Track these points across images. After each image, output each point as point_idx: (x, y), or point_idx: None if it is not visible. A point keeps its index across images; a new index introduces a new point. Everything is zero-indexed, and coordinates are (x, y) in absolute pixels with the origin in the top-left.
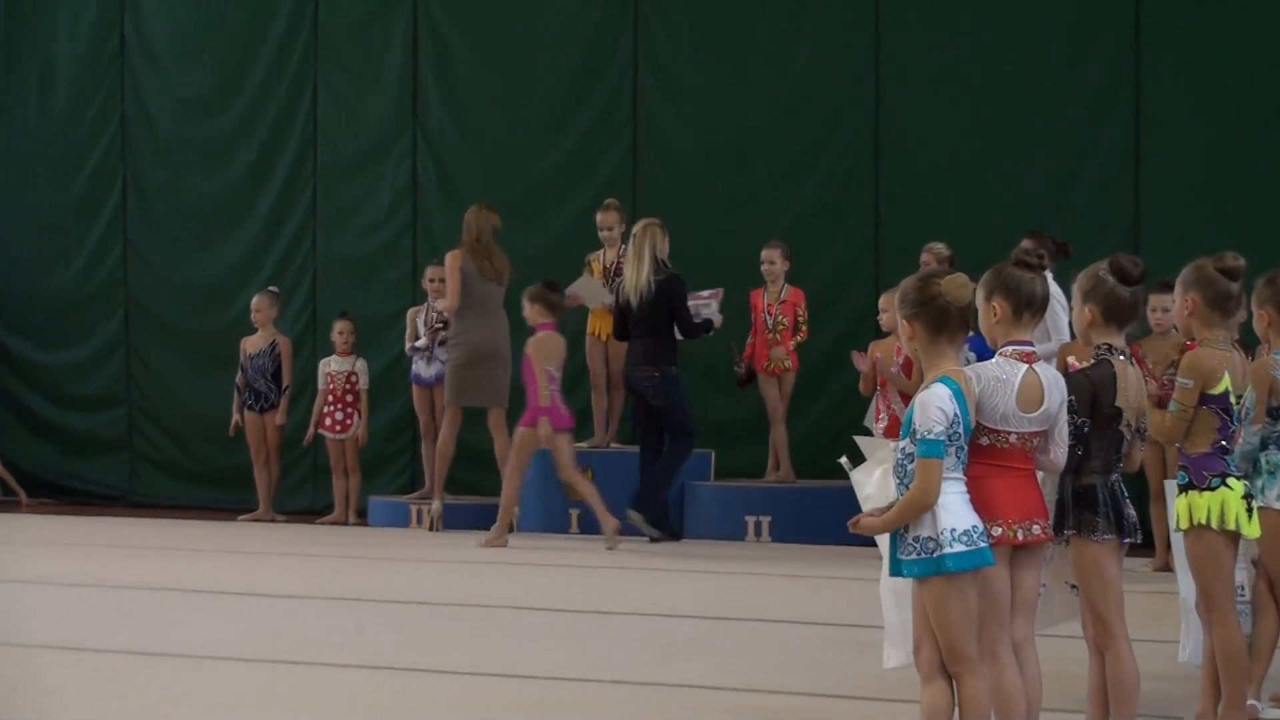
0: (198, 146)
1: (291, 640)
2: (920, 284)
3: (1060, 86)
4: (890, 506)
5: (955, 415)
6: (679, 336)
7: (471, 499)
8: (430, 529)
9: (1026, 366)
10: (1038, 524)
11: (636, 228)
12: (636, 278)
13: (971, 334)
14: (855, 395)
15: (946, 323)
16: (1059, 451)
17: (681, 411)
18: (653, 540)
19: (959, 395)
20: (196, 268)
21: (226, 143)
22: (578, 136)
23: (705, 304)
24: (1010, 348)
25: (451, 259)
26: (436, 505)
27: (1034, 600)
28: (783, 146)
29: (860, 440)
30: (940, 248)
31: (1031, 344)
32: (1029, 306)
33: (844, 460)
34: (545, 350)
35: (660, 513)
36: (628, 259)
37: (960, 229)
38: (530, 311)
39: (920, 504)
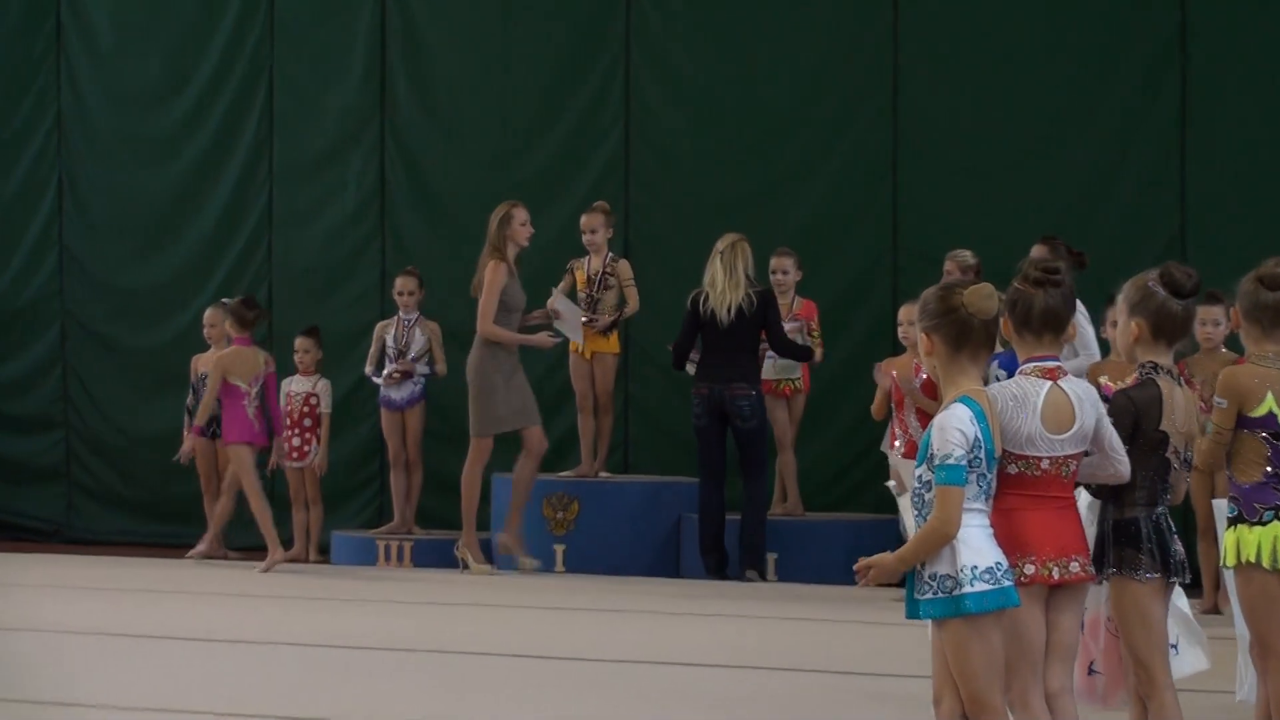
0: (141, 143)
1: (245, 692)
2: (941, 294)
3: (1098, 76)
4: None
5: (976, 438)
6: (776, 354)
7: (444, 533)
8: (464, 569)
9: (1050, 383)
10: (1076, 561)
11: (723, 244)
12: (731, 295)
13: (1002, 350)
14: (871, 418)
15: (969, 337)
16: (1120, 464)
17: (766, 438)
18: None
19: (980, 416)
20: (140, 277)
21: (173, 139)
22: (564, 132)
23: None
24: (1030, 364)
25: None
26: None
27: (1072, 645)
28: (791, 142)
29: (899, 463)
30: (965, 255)
31: (1056, 359)
32: (1027, 324)
33: (892, 484)
34: (226, 366)
35: (761, 556)
36: (714, 276)
37: (987, 234)
38: (227, 326)
39: (939, 536)
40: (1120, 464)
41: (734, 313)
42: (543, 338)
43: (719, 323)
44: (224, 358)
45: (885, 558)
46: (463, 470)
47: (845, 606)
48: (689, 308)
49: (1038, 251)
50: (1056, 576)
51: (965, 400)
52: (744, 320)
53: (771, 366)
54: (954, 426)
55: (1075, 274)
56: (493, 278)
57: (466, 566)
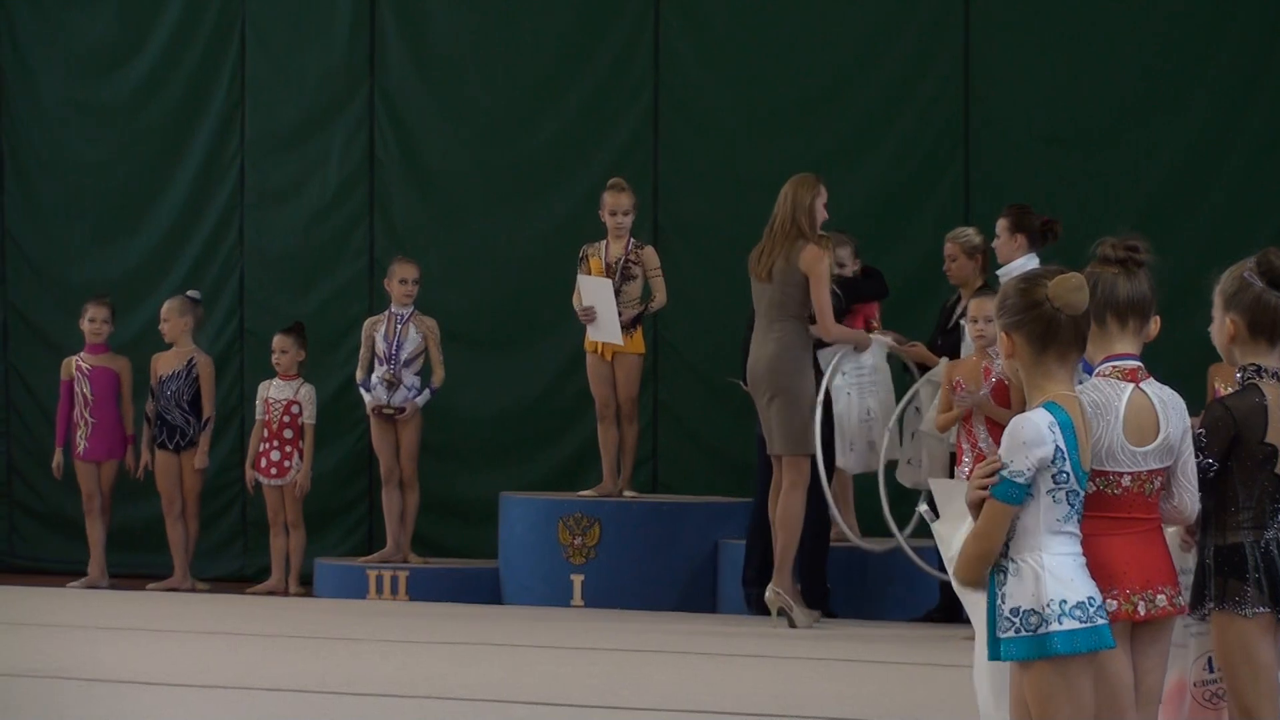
0: (94, 112)
1: None
2: (1024, 285)
3: (1206, 27)
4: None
5: (1058, 451)
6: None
7: (442, 562)
8: (786, 621)
9: (1132, 386)
10: (1164, 593)
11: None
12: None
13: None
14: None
15: (1056, 334)
16: (1188, 496)
17: (832, 453)
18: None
19: (1066, 425)
20: (93, 267)
21: (130, 107)
22: (581, 97)
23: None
24: (1108, 365)
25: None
26: (774, 593)
27: (1158, 688)
28: (846, 108)
29: (935, 484)
30: (969, 234)
31: (1136, 358)
32: (1111, 308)
33: (923, 509)
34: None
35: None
36: None
37: (1073, 214)
38: None
39: (978, 555)
40: (1188, 494)
41: None
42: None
43: None
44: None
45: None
46: (781, 500)
47: (906, 647)
48: None
49: (1001, 223)
50: (1143, 612)
51: (1049, 406)
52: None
53: None
54: (1027, 435)
55: (1050, 246)
56: (824, 267)
57: (784, 615)
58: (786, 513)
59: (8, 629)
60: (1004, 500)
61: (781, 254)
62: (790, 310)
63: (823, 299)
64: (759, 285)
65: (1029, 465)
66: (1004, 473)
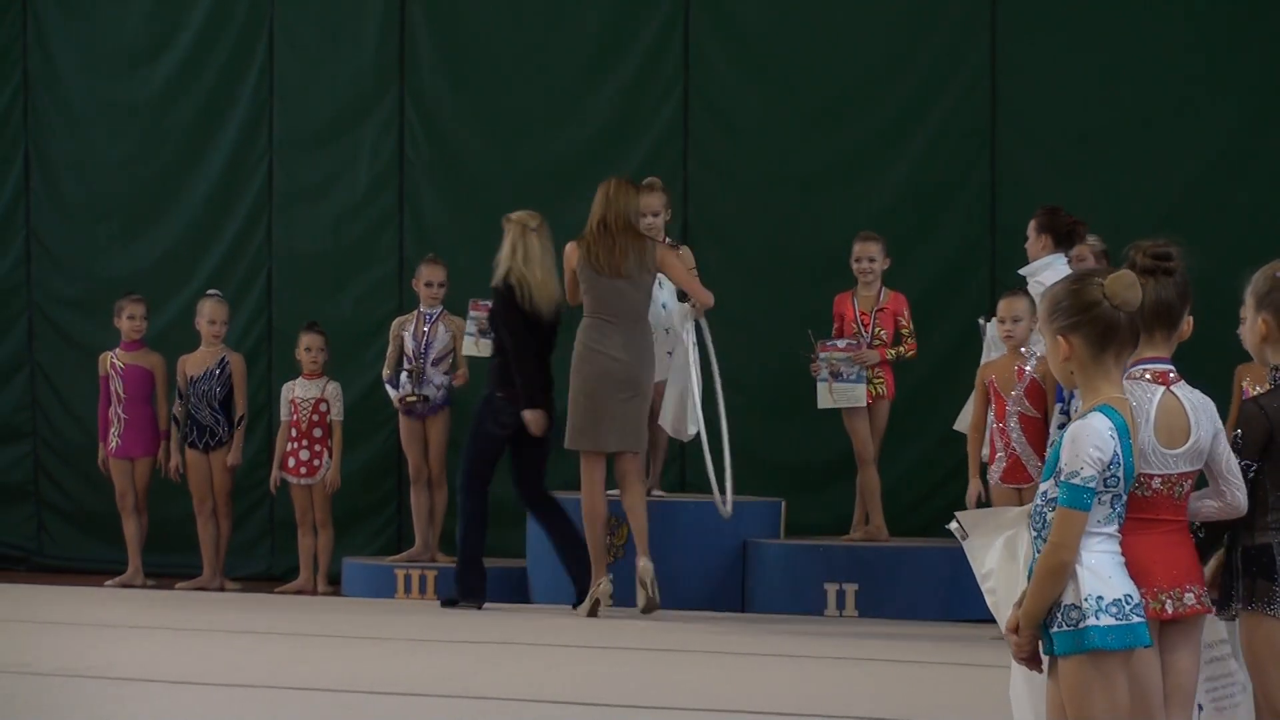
0: (120, 111)
1: None
2: (1077, 286)
3: (1239, 22)
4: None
5: (1115, 455)
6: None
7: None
8: (590, 614)
9: (1163, 389)
10: (1191, 592)
11: (534, 221)
12: (554, 288)
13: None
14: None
15: (1114, 334)
16: (1238, 492)
17: None
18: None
19: (1122, 430)
20: (119, 266)
21: (156, 106)
22: (612, 96)
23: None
24: (1140, 367)
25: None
26: (605, 584)
27: (1191, 688)
28: (874, 107)
29: (962, 515)
30: (1092, 240)
31: (1168, 362)
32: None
33: (955, 525)
34: None
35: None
36: (529, 260)
37: (1101, 213)
38: None
39: (1054, 565)
40: (1237, 491)
41: (554, 309)
42: None
43: (542, 320)
44: None
45: (1020, 627)
46: (637, 493)
47: (936, 646)
48: (506, 295)
49: (1031, 224)
50: (1170, 610)
51: (1106, 410)
52: (557, 320)
53: (828, 393)
54: (1090, 442)
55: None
56: (677, 260)
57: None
58: (642, 504)
59: (38, 628)
60: (1076, 507)
61: (634, 253)
62: (645, 309)
63: (691, 280)
64: (614, 282)
65: (1095, 469)
66: (1073, 481)
